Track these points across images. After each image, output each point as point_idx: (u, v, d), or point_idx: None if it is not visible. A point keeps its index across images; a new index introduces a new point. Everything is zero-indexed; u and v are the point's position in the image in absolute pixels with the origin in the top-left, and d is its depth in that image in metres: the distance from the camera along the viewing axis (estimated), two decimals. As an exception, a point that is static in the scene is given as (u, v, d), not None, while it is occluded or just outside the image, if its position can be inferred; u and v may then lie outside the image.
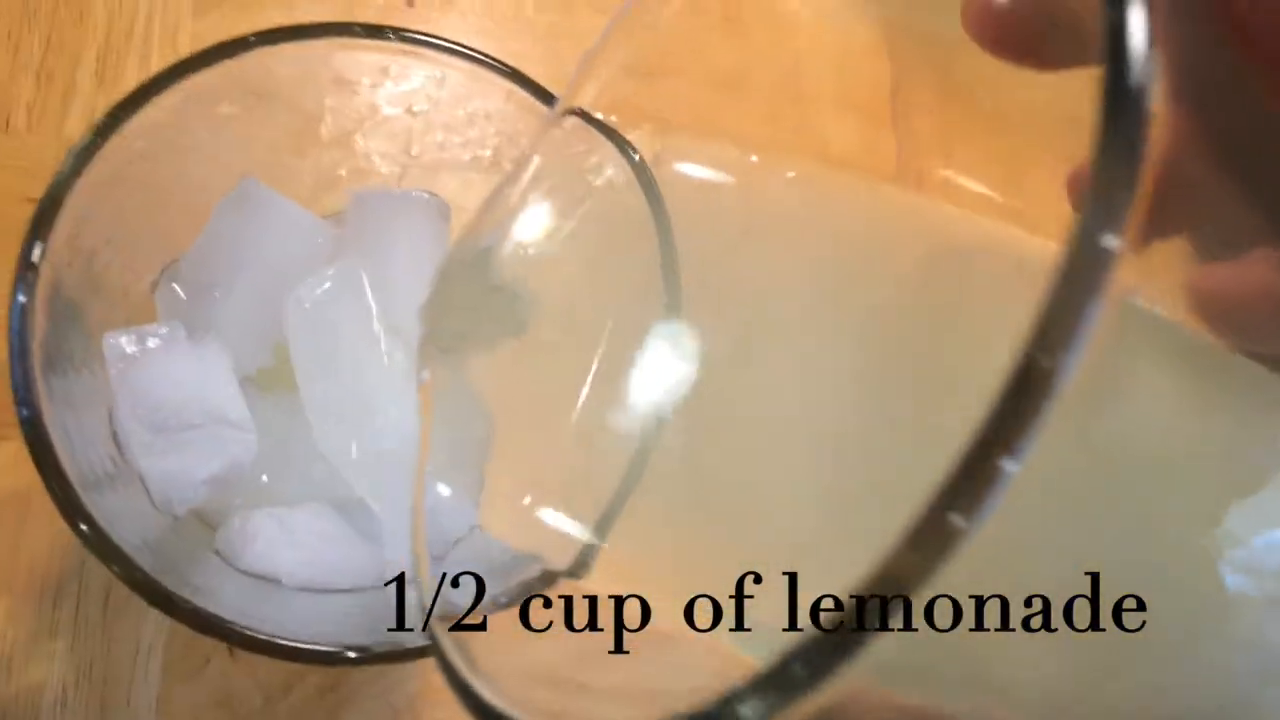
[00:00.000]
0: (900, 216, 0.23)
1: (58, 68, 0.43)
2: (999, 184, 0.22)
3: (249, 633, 0.25)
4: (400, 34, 0.29)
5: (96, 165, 0.25)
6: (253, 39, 0.26)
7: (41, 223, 0.24)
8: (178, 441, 0.27)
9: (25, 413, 0.23)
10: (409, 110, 0.36)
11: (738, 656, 0.22)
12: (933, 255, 0.22)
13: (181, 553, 0.30)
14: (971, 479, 0.11)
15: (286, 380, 0.32)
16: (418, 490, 0.24)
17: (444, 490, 0.26)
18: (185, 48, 0.45)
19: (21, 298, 0.23)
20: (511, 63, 0.33)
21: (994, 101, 0.22)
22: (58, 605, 0.39)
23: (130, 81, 0.44)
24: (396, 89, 0.35)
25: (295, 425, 0.32)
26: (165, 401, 0.27)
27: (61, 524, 0.39)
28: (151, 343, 0.27)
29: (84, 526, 0.25)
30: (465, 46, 0.31)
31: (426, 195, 0.31)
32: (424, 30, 0.30)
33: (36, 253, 0.24)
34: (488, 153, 0.38)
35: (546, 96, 0.32)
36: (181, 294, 0.31)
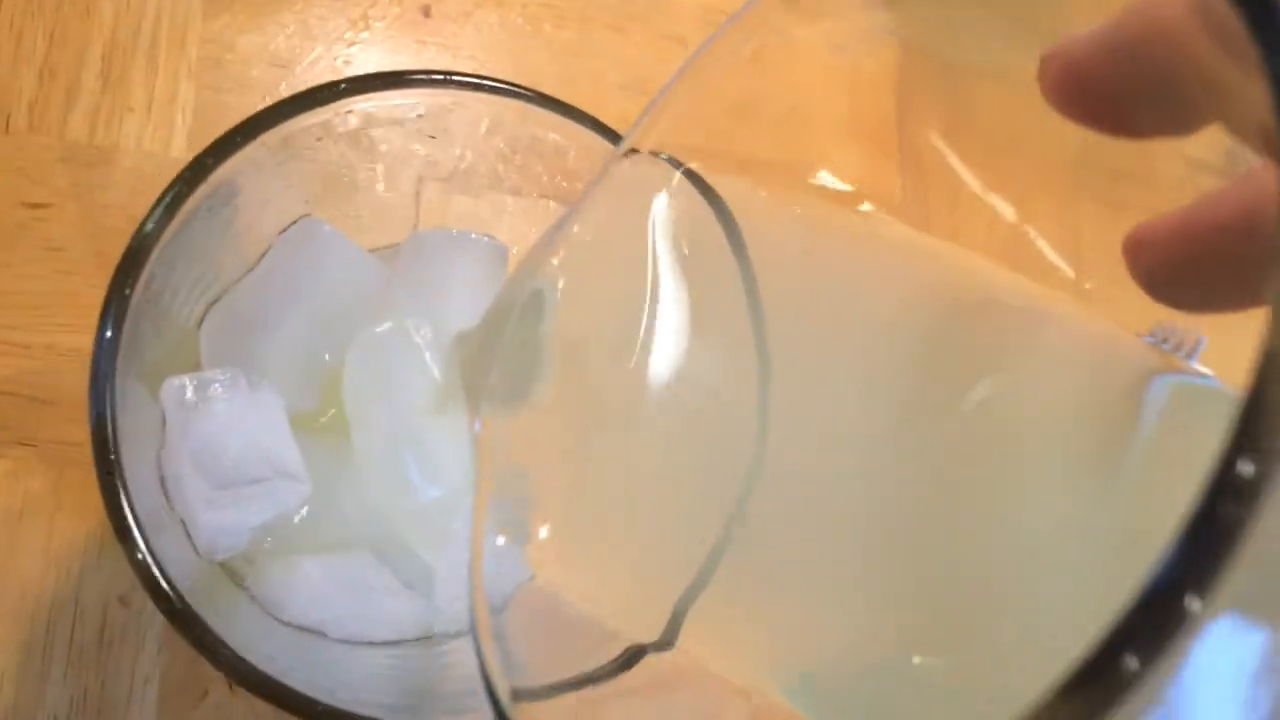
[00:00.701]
0: (905, 258, 0.23)
1: (61, 64, 0.41)
2: (1006, 217, 0.22)
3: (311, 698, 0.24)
4: (505, 88, 0.28)
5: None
6: (344, 85, 0.25)
7: (134, 261, 0.23)
8: (240, 496, 0.26)
9: (110, 457, 0.22)
10: (428, 133, 0.36)
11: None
12: (941, 301, 0.21)
13: (217, 598, 0.29)
14: (1158, 620, 0.09)
15: (328, 423, 0.31)
16: (475, 542, 0.23)
17: (500, 540, 0.25)
18: (194, 50, 0.43)
19: (109, 332, 0.22)
20: (527, 78, 0.32)
21: (1006, 135, 0.22)
22: (50, 631, 0.37)
23: (137, 83, 0.42)
24: (418, 112, 0.34)
25: (333, 470, 0.31)
26: (227, 453, 0.26)
27: (56, 549, 0.38)
28: (213, 390, 0.26)
29: (140, 555, 0.24)
30: (522, 87, 0.30)
31: (485, 238, 0.31)
32: (439, 40, 0.29)
33: (126, 290, 0.22)
34: (508, 182, 0.37)
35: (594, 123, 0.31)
36: (226, 330, 0.29)
